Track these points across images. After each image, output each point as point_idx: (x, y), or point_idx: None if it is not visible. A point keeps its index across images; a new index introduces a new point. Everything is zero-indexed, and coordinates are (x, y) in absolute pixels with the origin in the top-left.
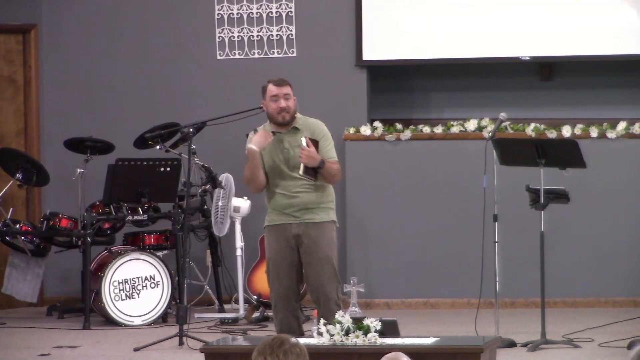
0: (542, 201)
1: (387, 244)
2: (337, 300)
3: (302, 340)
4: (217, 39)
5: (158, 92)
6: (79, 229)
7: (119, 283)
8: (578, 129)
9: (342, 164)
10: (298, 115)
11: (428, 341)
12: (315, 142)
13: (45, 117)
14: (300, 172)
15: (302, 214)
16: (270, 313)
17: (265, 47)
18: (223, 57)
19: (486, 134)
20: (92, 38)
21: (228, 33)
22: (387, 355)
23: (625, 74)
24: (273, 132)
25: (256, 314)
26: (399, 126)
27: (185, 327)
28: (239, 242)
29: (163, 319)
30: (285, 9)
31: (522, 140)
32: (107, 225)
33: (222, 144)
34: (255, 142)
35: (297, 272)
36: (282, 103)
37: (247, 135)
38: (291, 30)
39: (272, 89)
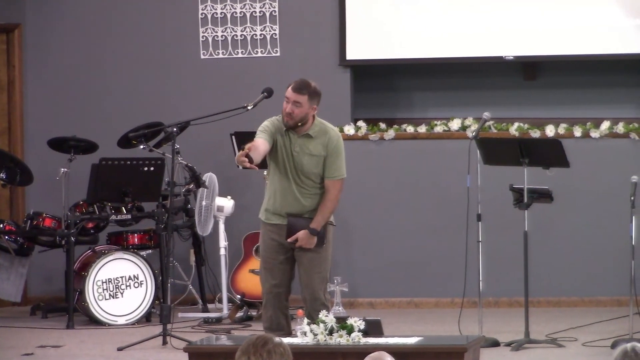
0: (525, 201)
1: (370, 243)
2: (324, 300)
3: (286, 340)
4: (201, 39)
5: (142, 92)
6: (63, 228)
7: (102, 282)
8: (562, 129)
9: None
10: (318, 121)
11: (412, 341)
12: (299, 225)
13: (29, 117)
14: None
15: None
16: (253, 312)
17: (249, 47)
18: (207, 57)
19: (470, 133)
20: (76, 38)
21: (212, 32)
22: (371, 354)
23: (609, 73)
24: (286, 130)
25: (240, 314)
26: (382, 126)
27: (168, 326)
28: (223, 242)
29: (147, 318)
30: (269, 8)
31: (505, 139)
32: (90, 225)
33: (206, 144)
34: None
35: (290, 270)
36: (288, 108)
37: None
38: (275, 30)
39: (288, 90)
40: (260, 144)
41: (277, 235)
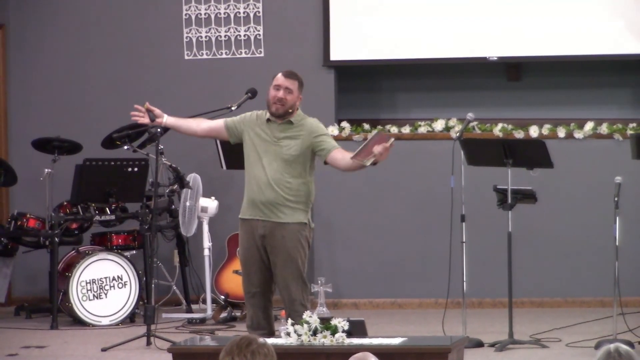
0: (509, 201)
1: (354, 244)
2: (303, 301)
3: (270, 340)
4: (185, 39)
5: (126, 92)
6: (47, 229)
7: (86, 283)
8: (545, 129)
9: None
10: (300, 112)
11: (396, 341)
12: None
13: (12, 117)
14: (368, 163)
15: (269, 211)
16: (237, 313)
17: (233, 47)
18: (191, 57)
19: (454, 134)
20: (60, 38)
21: (196, 33)
22: (355, 355)
23: (593, 74)
24: (268, 119)
25: (224, 314)
26: (366, 126)
27: (152, 327)
28: (207, 242)
29: (131, 319)
30: (253, 9)
31: (489, 140)
32: (74, 226)
33: (190, 144)
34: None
35: (267, 270)
36: (281, 94)
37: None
38: (259, 31)
39: (278, 77)
40: (207, 121)
41: (251, 235)
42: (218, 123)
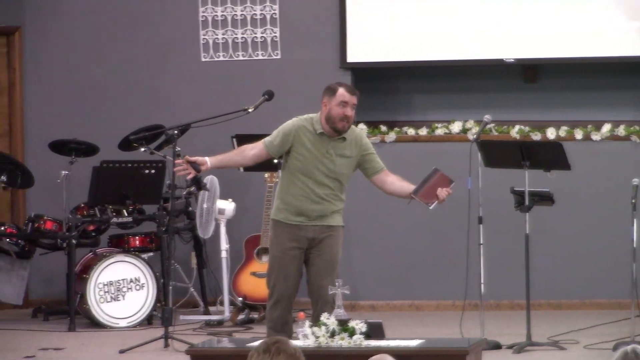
0: (527, 203)
1: (372, 246)
2: (334, 304)
3: None
4: (202, 41)
5: (142, 94)
6: (64, 231)
7: (104, 285)
8: (563, 131)
9: None
10: None
11: (413, 343)
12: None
13: (29, 119)
14: (431, 207)
15: (319, 216)
16: (255, 315)
17: (250, 50)
18: (207, 59)
19: (471, 136)
20: (76, 40)
21: (212, 35)
22: (373, 357)
23: (610, 76)
24: (322, 133)
25: (241, 316)
26: (383, 128)
27: (170, 329)
28: (224, 244)
29: (148, 321)
30: (270, 11)
31: (506, 142)
32: (91, 228)
33: (207, 146)
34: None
35: (300, 271)
36: (349, 112)
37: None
38: (275, 33)
39: (344, 94)
40: (248, 148)
41: (295, 236)
42: (259, 147)
